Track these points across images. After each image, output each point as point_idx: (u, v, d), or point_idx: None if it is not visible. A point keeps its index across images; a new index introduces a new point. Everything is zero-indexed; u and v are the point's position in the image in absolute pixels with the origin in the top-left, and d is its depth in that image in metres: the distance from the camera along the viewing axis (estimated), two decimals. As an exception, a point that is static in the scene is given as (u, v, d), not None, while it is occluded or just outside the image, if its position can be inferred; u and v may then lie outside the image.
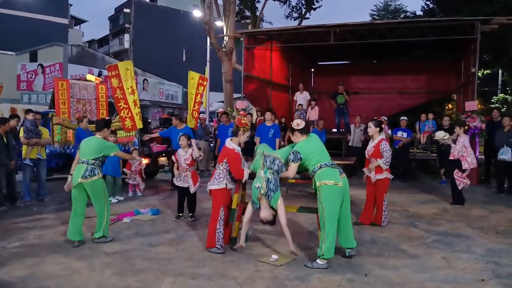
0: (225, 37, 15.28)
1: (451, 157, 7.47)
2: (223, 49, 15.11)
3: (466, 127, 8.44)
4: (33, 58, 25.28)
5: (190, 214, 6.51)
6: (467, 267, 4.47)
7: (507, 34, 13.89)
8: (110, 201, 7.49)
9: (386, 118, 10.61)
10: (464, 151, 7.31)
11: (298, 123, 4.77)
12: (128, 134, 9.44)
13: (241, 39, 13.32)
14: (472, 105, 10.06)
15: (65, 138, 9.27)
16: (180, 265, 4.50)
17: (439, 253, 4.91)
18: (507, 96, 21.23)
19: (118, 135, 8.86)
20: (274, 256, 4.67)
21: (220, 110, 16.42)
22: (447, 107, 19.18)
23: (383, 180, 6.02)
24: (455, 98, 17.01)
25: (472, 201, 7.82)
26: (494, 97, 22.37)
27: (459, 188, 7.47)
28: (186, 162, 6.31)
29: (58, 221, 6.40)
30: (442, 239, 5.49)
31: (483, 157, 10.34)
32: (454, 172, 7.45)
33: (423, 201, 8.08)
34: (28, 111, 8.04)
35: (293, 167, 4.64)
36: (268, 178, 4.57)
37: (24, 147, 7.62)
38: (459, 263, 4.60)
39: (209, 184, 5.06)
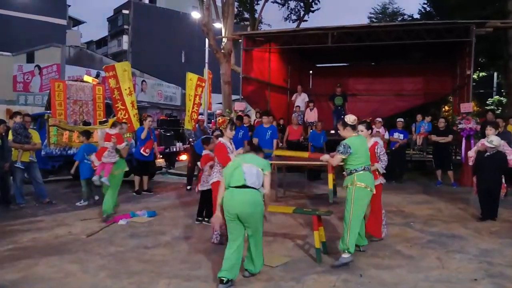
0: (223, 39, 15.30)
1: None
2: (222, 51, 15.13)
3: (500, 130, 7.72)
4: (30, 59, 25.25)
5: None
6: (461, 267, 4.50)
7: (501, 37, 14.02)
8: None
9: (380, 120, 10.63)
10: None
11: (354, 119, 4.83)
12: (125, 136, 9.43)
13: (240, 41, 13.35)
14: (468, 107, 10.10)
15: (61, 140, 9.27)
16: (175, 267, 4.50)
17: (434, 254, 4.94)
18: (502, 98, 21.34)
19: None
20: None
21: (218, 112, 16.41)
22: (443, 109, 19.26)
23: (377, 186, 5.55)
24: (451, 100, 17.09)
25: (467, 202, 7.84)
26: (489, 99, 22.50)
27: (502, 198, 6.79)
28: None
29: (53, 223, 6.37)
30: (436, 239, 5.52)
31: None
32: (503, 183, 6.66)
33: (418, 202, 8.10)
34: (15, 114, 7.88)
35: (339, 158, 4.73)
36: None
37: (14, 150, 7.48)
38: (453, 263, 4.62)
39: (209, 179, 5.54)
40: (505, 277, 4.18)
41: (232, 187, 4.06)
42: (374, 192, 4.77)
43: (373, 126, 5.94)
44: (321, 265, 4.55)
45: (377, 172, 5.57)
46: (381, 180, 5.49)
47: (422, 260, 4.73)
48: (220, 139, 5.33)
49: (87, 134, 8.14)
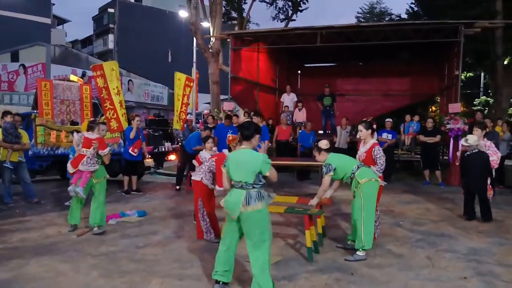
0: (211, 38, 15.27)
1: (495, 167, 6.54)
2: (210, 50, 15.09)
3: (488, 130, 7.63)
4: (15, 58, 24.86)
5: None
6: (450, 265, 4.57)
7: (489, 38, 14.25)
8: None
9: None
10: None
11: (327, 144, 5.07)
12: (113, 136, 9.35)
13: (228, 40, 13.33)
14: (456, 107, 10.24)
15: (48, 140, 9.15)
16: (167, 266, 4.48)
17: (423, 252, 5.01)
18: (489, 99, 21.71)
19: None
20: None
21: (206, 111, 16.36)
22: (430, 109, 19.53)
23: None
24: (438, 100, 17.33)
25: (455, 202, 7.95)
26: (476, 99, 22.88)
27: (491, 200, 6.62)
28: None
29: (43, 223, 6.29)
30: (426, 238, 5.59)
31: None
32: (489, 184, 6.48)
33: (407, 201, 8.19)
34: (5, 113, 7.74)
35: (326, 179, 4.92)
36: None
37: (3, 150, 7.38)
38: (442, 261, 4.69)
39: (192, 175, 5.66)
40: (494, 275, 4.26)
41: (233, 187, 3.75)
42: (380, 182, 4.95)
43: (374, 126, 5.88)
44: (313, 264, 4.57)
45: None
46: (380, 182, 5.23)
47: (412, 258, 4.79)
48: (226, 152, 5.46)
49: None
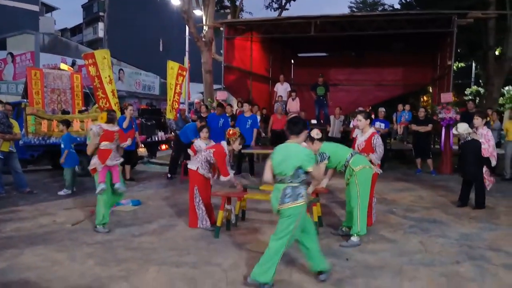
0: (204, 27, 15.13)
1: (486, 155, 6.47)
2: (203, 39, 14.97)
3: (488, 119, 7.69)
4: (2, 46, 24.43)
5: None
6: (443, 250, 4.65)
7: (481, 28, 14.33)
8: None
9: (361, 109, 10.77)
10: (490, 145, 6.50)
11: (318, 133, 5.10)
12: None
13: (221, 29, 13.23)
14: (448, 97, 10.32)
15: (40, 129, 9.06)
16: (163, 254, 4.49)
17: (416, 238, 5.08)
18: (480, 89, 21.91)
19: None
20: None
21: (196, 101, 16.27)
22: (422, 99, 19.68)
23: (373, 175, 5.62)
24: (430, 90, 17.43)
25: (446, 189, 8.06)
26: (468, 89, 23.07)
27: (488, 188, 6.62)
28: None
29: (36, 213, 6.25)
30: (418, 224, 5.67)
31: (457, 147, 10.64)
32: (484, 172, 6.51)
33: (400, 189, 8.27)
34: None
35: (322, 166, 4.90)
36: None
37: None
38: (435, 247, 4.77)
39: (189, 164, 5.68)
40: (486, 259, 4.35)
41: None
42: (374, 169, 5.08)
43: (373, 116, 5.98)
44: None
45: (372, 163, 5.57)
46: (376, 169, 5.39)
47: (406, 244, 4.87)
48: (224, 144, 5.45)
49: (67, 123, 8.00)
